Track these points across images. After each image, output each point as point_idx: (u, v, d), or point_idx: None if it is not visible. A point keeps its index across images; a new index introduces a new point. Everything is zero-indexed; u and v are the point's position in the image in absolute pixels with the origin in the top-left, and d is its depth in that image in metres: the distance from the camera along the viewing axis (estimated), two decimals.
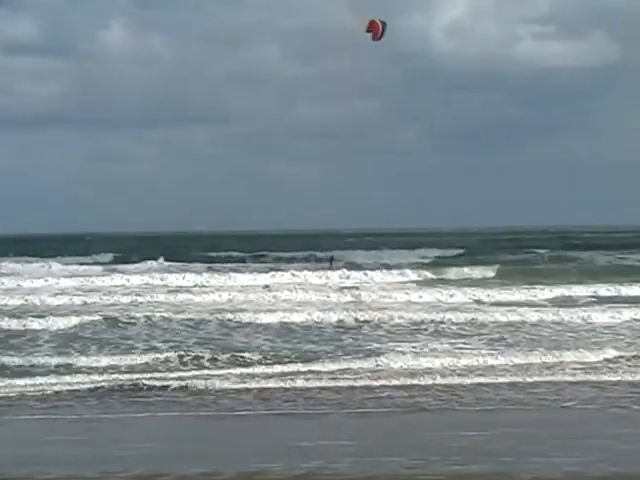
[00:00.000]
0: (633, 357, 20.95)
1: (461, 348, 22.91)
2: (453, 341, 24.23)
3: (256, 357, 21.20)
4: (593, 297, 34.52)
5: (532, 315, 28.09)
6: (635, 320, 27.47)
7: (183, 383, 18.23)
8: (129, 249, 62.68)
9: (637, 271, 46.50)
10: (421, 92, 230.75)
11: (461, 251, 64.77)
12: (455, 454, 12.49)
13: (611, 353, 21.26)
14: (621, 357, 21.05)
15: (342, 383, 18.26)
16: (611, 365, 20.28)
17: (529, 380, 18.51)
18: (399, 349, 22.45)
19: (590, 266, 52.14)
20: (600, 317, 27.87)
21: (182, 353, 21.63)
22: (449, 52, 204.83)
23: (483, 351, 22.16)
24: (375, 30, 18.75)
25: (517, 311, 28.88)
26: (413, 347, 22.70)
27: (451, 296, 33.68)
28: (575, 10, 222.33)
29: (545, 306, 31.59)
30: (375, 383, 18.23)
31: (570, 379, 18.76)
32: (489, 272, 46.69)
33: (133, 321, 27.44)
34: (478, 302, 32.35)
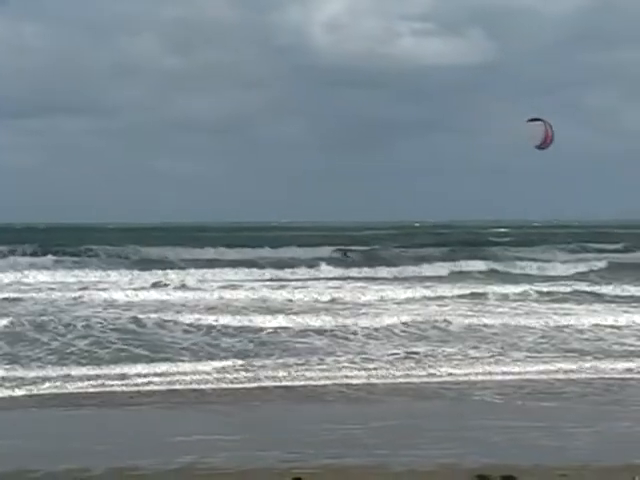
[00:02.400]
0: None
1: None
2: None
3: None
4: None
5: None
6: None
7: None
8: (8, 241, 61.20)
9: None
10: (304, 87, 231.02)
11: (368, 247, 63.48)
12: (331, 447, 12.52)
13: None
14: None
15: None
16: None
17: (404, 373, 18.62)
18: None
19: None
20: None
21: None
22: (329, 47, 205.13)
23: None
24: (547, 138, 18.54)
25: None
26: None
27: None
28: (454, 7, 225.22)
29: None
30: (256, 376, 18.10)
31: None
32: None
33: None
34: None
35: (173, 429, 13.85)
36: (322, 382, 17.40)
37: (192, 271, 40.04)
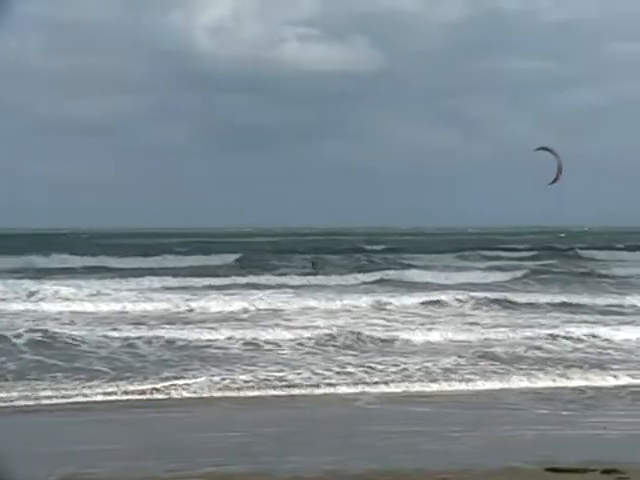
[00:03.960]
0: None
1: None
2: None
3: None
4: None
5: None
6: None
7: None
8: None
9: None
10: (187, 91, 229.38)
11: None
12: (217, 455, 12.47)
13: None
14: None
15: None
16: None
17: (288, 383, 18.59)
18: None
19: None
20: None
21: None
22: (213, 51, 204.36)
23: None
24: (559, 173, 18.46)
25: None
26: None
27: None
28: (340, 14, 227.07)
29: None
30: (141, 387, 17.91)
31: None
32: None
33: None
34: None
35: (56, 439, 13.64)
36: (209, 393, 17.28)
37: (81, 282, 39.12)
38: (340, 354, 21.49)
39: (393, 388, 17.89)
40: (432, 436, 13.80)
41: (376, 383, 18.24)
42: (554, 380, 18.75)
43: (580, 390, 17.93)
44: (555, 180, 20.00)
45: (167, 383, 17.69)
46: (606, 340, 23.21)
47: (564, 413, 15.75)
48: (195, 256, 58.96)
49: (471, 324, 26.97)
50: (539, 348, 22.13)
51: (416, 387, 18.04)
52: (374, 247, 74.87)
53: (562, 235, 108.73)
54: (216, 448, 12.94)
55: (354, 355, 21.40)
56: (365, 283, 41.91)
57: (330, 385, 17.99)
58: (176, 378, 18.19)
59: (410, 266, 51.87)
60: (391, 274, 44.93)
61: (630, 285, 41.04)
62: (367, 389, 17.76)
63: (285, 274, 45.52)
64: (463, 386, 18.22)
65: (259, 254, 61.55)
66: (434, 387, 18.09)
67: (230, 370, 19.26)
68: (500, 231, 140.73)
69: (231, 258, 58.13)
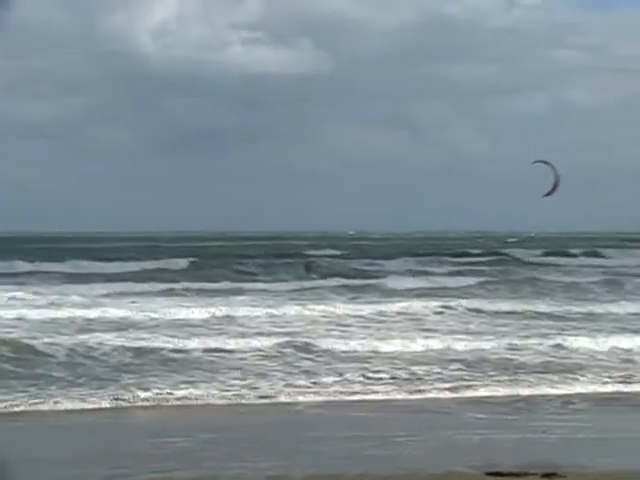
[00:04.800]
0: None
1: None
2: None
3: None
4: None
5: None
6: None
7: None
8: None
9: None
10: (131, 93, 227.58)
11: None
12: (159, 461, 12.44)
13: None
14: None
15: None
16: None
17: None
18: None
19: None
20: None
21: None
22: (157, 54, 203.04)
23: None
24: (556, 186, 18.37)
25: None
26: None
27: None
28: (285, 17, 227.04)
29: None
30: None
31: None
32: None
33: None
34: None
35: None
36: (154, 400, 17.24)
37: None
38: (288, 362, 21.40)
39: (337, 394, 17.94)
40: (376, 441, 13.87)
41: (318, 390, 18.28)
42: (498, 386, 18.87)
43: (522, 396, 18.09)
44: (551, 192, 20.14)
45: (115, 391, 17.63)
46: (557, 346, 23.29)
47: (506, 418, 15.91)
48: (147, 261, 58.37)
49: (428, 330, 27.03)
50: (493, 354, 22.21)
51: (360, 394, 18.10)
52: (326, 252, 74.45)
53: (511, 240, 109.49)
54: (158, 454, 12.90)
55: (302, 362, 21.36)
56: (320, 288, 41.67)
57: (273, 390, 18.04)
58: (124, 386, 18.13)
59: (374, 272, 51.91)
60: (355, 282, 44.48)
61: (580, 291, 41.48)
62: (311, 396, 17.79)
63: (240, 280, 45.30)
64: (407, 392, 18.32)
65: (212, 259, 61.18)
66: (379, 393, 18.16)
67: (176, 377, 19.23)
68: (447, 236, 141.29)
69: (184, 263, 57.76)
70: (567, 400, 17.71)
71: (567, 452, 13.25)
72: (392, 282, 44.06)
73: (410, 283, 43.56)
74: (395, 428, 14.89)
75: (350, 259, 63.42)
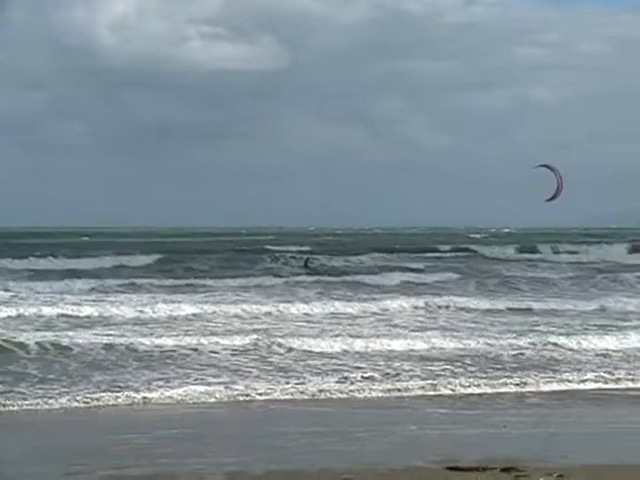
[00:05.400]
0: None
1: None
2: None
3: None
4: None
5: None
6: None
7: None
8: None
9: None
10: (89, 88, 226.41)
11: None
12: (117, 458, 12.37)
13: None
14: None
15: None
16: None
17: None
18: None
19: None
20: None
21: None
22: (115, 49, 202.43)
23: None
24: (559, 190, 18.27)
25: None
26: None
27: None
28: (245, 13, 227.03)
29: None
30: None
31: None
32: None
33: None
34: None
35: None
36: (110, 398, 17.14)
37: None
38: (255, 359, 21.30)
39: (298, 390, 17.92)
40: (336, 437, 13.85)
41: (281, 387, 18.25)
42: (459, 382, 18.88)
43: (485, 392, 18.13)
44: (554, 197, 20.18)
45: (83, 388, 17.52)
46: (531, 343, 23.21)
47: (466, 413, 15.95)
48: (107, 257, 57.85)
49: (395, 326, 27.03)
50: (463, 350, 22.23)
51: (323, 388, 18.08)
52: (290, 248, 74.05)
53: (477, 236, 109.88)
54: (116, 451, 12.84)
55: (266, 358, 21.31)
56: (293, 284, 41.46)
57: (232, 385, 18.00)
58: (95, 384, 18.04)
59: (349, 268, 51.77)
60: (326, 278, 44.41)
61: (554, 287, 41.66)
62: (274, 392, 17.75)
63: (206, 276, 44.97)
64: (369, 387, 18.32)
65: (174, 255, 60.75)
66: (342, 388, 18.16)
67: (135, 373, 19.12)
68: (409, 232, 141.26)
69: (146, 259, 57.40)
70: (528, 396, 17.79)
71: (526, 447, 13.28)
72: (370, 279, 43.85)
73: (387, 279, 43.53)
74: (357, 424, 14.89)
75: (316, 255, 63.18)
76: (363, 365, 20.48)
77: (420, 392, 17.96)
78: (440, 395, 17.73)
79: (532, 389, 18.37)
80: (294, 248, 72.57)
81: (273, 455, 12.67)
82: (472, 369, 20.18)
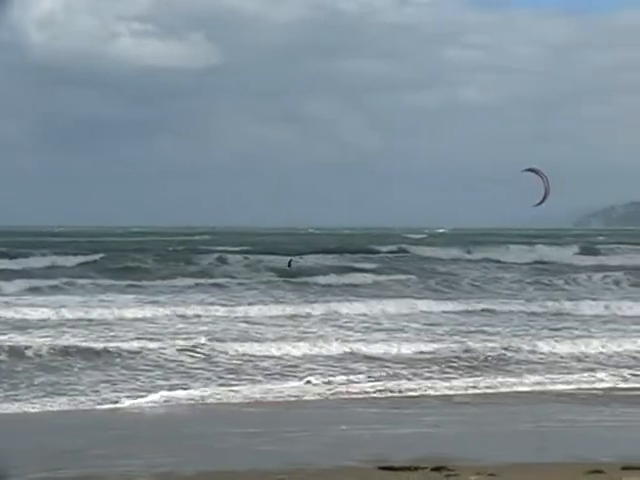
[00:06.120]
0: None
1: None
2: None
3: None
4: None
5: None
6: None
7: None
8: None
9: None
10: (17, 85, 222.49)
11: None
12: (49, 459, 12.28)
13: None
14: None
15: None
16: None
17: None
18: None
19: None
20: None
21: None
22: (44, 45, 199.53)
23: None
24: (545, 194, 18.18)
25: None
26: None
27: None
28: (175, 10, 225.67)
29: None
30: None
31: None
32: None
33: None
34: None
35: None
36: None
37: None
38: (191, 361, 21.15)
39: (232, 391, 17.86)
40: (268, 437, 13.86)
41: (216, 387, 18.22)
42: (388, 380, 18.91)
43: (419, 393, 18.17)
44: (542, 202, 20.30)
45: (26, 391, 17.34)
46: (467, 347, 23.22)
47: (398, 412, 16.01)
48: (36, 257, 56.59)
49: (340, 327, 26.95)
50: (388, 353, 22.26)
51: (255, 390, 18.05)
52: (227, 248, 73.21)
53: (414, 236, 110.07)
54: (48, 452, 12.73)
55: (205, 360, 21.16)
56: (236, 285, 40.96)
57: (167, 387, 17.92)
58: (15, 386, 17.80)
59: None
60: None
61: (504, 288, 41.57)
62: (202, 393, 17.67)
63: (141, 278, 44.28)
64: (300, 387, 18.29)
65: (115, 254, 59.88)
66: (274, 388, 18.13)
67: (80, 375, 19.02)
68: (342, 232, 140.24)
69: (84, 259, 56.39)
70: (461, 396, 17.88)
71: (458, 446, 13.40)
72: (323, 279, 43.37)
73: (334, 279, 43.14)
74: (289, 424, 14.90)
75: (257, 254, 62.48)
76: (300, 367, 20.45)
77: (354, 393, 17.98)
78: (374, 396, 17.75)
79: (463, 390, 18.45)
80: (232, 248, 71.80)
81: (205, 456, 12.64)
82: (410, 370, 20.24)
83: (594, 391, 18.47)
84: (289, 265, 52.48)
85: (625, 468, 11.79)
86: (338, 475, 11.57)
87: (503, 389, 18.68)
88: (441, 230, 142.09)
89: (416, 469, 11.80)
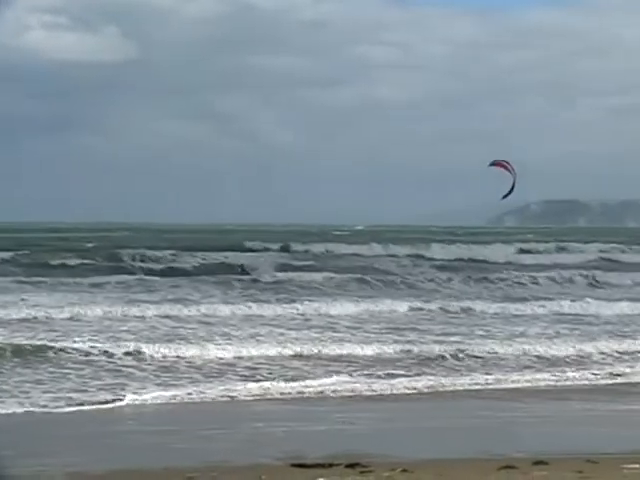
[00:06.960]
0: None
1: None
2: None
3: None
4: None
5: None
6: None
7: None
8: None
9: None
10: None
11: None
12: None
13: None
14: None
15: None
16: None
17: None
18: None
19: None
20: None
21: None
22: None
23: None
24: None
25: None
26: None
27: None
28: (89, 3, 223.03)
29: None
30: None
31: None
32: None
33: None
34: None
35: None
36: None
37: None
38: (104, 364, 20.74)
39: (151, 392, 17.54)
40: (183, 435, 13.72)
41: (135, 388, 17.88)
42: (305, 379, 18.74)
43: (334, 389, 18.00)
44: (508, 194, 20.30)
45: None
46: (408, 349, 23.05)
47: (313, 410, 15.93)
48: None
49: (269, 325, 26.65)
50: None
51: (171, 389, 17.75)
52: (147, 243, 72.25)
53: (339, 233, 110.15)
54: None
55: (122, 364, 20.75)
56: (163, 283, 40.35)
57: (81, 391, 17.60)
58: None
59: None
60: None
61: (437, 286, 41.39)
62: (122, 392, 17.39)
63: (67, 275, 43.43)
64: (215, 386, 18.07)
65: (32, 250, 58.83)
66: (191, 388, 17.85)
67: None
68: (260, 229, 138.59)
69: (5, 255, 55.32)
70: (378, 392, 17.78)
71: (373, 443, 13.39)
72: (265, 277, 42.30)
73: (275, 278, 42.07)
74: (205, 422, 14.75)
75: (180, 250, 61.56)
76: (216, 366, 20.18)
77: (269, 390, 17.78)
78: (291, 395, 17.53)
79: (384, 386, 18.29)
80: (152, 244, 70.88)
81: (116, 454, 12.48)
82: (330, 368, 20.07)
83: (511, 387, 18.51)
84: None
85: (536, 463, 11.91)
86: (250, 473, 11.49)
87: (420, 387, 18.66)
88: (359, 227, 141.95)
89: (330, 466, 11.75)
